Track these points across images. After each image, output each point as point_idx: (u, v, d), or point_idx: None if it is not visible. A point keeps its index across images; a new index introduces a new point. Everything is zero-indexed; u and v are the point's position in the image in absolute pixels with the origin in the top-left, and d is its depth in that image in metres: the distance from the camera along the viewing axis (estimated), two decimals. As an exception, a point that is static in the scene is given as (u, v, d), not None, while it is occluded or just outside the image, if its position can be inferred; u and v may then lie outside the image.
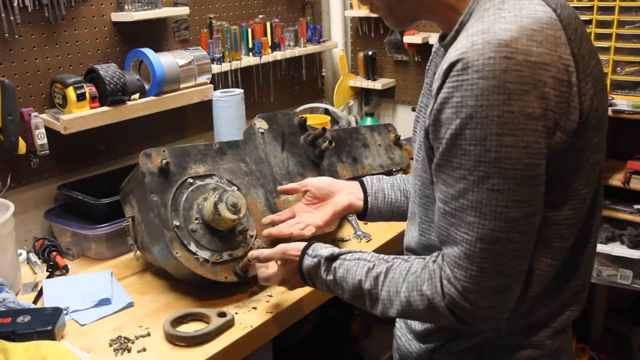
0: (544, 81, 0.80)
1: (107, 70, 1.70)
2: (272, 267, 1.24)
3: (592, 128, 0.86)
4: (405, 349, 1.11)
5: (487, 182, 0.82)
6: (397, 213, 1.34)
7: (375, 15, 2.52)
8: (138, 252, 1.52)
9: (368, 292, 1.01)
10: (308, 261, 1.12)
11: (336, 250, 1.10)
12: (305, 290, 1.37)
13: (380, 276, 1.00)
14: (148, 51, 1.80)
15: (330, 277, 1.07)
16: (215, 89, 2.06)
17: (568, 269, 0.96)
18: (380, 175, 1.38)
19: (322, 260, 1.09)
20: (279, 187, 1.45)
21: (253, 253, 1.27)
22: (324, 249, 1.11)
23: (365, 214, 1.35)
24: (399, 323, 1.16)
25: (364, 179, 1.37)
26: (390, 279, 0.98)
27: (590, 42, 0.89)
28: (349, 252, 1.07)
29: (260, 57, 2.23)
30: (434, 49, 1.07)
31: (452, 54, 0.83)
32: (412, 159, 2.18)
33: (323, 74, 2.69)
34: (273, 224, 1.41)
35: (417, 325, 1.07)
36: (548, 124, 0.81)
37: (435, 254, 0.96)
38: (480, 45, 0.80)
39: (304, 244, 1.15)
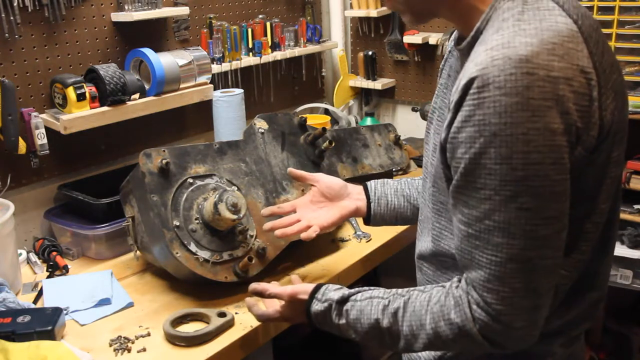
0: (567, 96, 0.78)
1: (107, 70, 1.70)
2: (271, 305, 1.20)
3: (613, 142, 0.85)
4: (416, 354, 1.09)
5: (515, 201, 0.80)
6: (400, 218, 1.33)
7: (375, 14, 2.53)
8: (138, 252, 1.52)
9: (387, 330, 0.97)
10: (318, 306, 1.07)
11: (346, 292, 1.05)
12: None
13: (399, 311, 0.96)
14: (148, 51, 1.80)
15: (342, 321, 1.03)
16: (215, 89, 2.06)
17: (586, 281, 0.95)
18: (385, 180, 1.36)
19: (333, 305, 1.05)
20: (289, 169, 1.40)
21: (256, 288, 1.18)
22: (334, 292, 1.06)
23: (369, 219, 1.34)
24: None
25: (368, 184, 1.36)
26: (410, 312, 0.95)
27: (611, 55, 0.87)
28: (359, 292, 1.04)
29: (260, 57, 2.23)
30: (448, 49, 1.06)
31: (471, 68, 0.81)
32: (412, 159, 2.19)
33: (323, 74, 2.69)
34: (273, 217, 1.36)
35: None
36: (571, 138, 0.79)
37: (455, 279, 0.93)
38: (501, 60, 0.78)
39: (312, 286, 1.11)
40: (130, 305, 1.42)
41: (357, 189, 1.37)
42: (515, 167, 0.79)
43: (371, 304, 1.00)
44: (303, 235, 1.28)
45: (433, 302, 0.93)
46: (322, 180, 1.36)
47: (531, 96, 0.77)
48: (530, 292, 0.84)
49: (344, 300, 1.04)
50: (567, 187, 0.81)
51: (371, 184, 1.36)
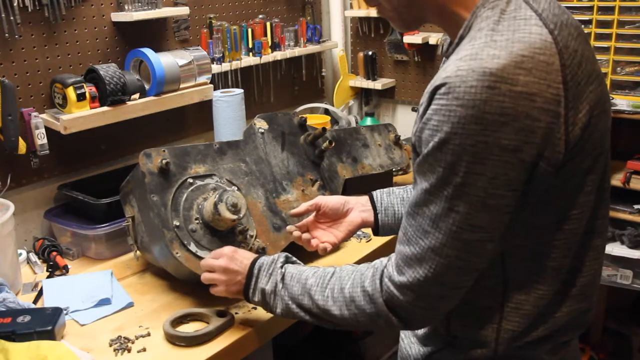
0: (527, 112, 0.78)
1: (107, 70, 1.70)
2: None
3: (583, 153, 0.84)
4: (406, 351, 1.11)
5: (449, 202, 0.83)
6: None
7: (375, 15, 2.53)
8: (138, 252, 1.52)
9: (310, 288, 1.06)
10: (264, 258, 1.18)
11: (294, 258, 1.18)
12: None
13: (328, 275, 1.05)
14: (148, 51, 1.80)
15: (282, 270, 1.13)
16: (215, 89, 2.06)
17: (567, 290, 0.94)
18: (391, 189, 1.36)
19: (279, 257, 1.16)
20: (291, 212, 1.40)
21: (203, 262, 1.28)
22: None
23: (377, 230, 1.34)
24: None
25: (374, 194, 1.35)
26: (337, 277, 1.04)
27: (591, 63, 0.86)
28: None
29: (260, 57, 2.23)
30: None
31: (440, 76, 0.82)
32: (412, 159, 2.19)
33: (323, 74, 2.69)
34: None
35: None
36: (524, 156, 0.79)
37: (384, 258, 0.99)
38: (465, 71, 0.79)
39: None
40: (130, 305, 1.42)
41: (362, 200, 1.36)
42: (456, 172, 0.81)
43: (310, 268, 1.10)
44: (321, 248, 1.33)
45: (357, 270, 1.02)
46: (325, 203, 1.36)
47: (487, 110, 0.77)
48: (439, 284, 0.89)
49: (290, 259, 1.18)
50: (505, 202, 0.82)
51: (377, 194, 1.35)
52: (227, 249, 1.25)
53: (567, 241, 0.90)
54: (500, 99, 0.77)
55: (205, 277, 1.26)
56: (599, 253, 0.96)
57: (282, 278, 1.11)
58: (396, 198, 1.34)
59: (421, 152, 0.86)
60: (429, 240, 0.87)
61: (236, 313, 1.35)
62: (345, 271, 1.03)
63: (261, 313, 1.36)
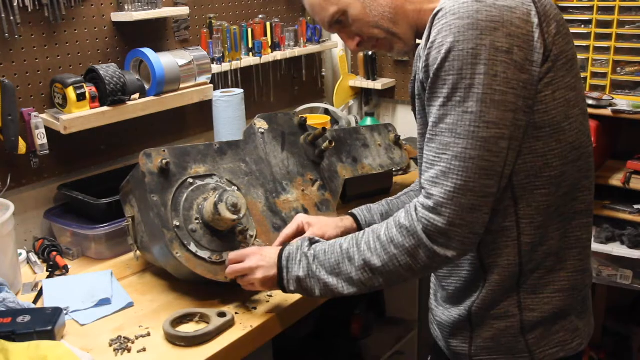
0: (511, 21, 0.95)
1: (107, 70, 1.70)
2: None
3: (562, 67, 0.99)
4: (440, 318, 1.20)
5: (462, 106, 0.96)
6: None
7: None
8: (138, 252, 1.52)
9: (347, 251, 1.10)
10: (289, 248, 1.21)
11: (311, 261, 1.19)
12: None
13: (359, 235, 1.11)
14: (148, 51, 1.80)
15: (312, 252, 1.16)
16: (215, 89, 2.06)
17: (572, 207, 1.08)
18: (369, 206, 1.47)
19: (304, 242, 1.20)
20: (275, 244, 1.42)
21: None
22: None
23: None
24: (432, 297, 1.26)
25: (355, 212, 1.45)
26: (370, 231, 1.10)
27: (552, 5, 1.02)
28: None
29: (260, 57, 2.23)
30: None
31: (435, 8, 1.00)
32: (412, 159, 2.19)
33: (323, 74, 2.69)
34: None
35: (447, 288, 1.17)
36: (515, 58, 0.95)
37: None
38: None
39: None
40: (130, 305, 1.42)
41: (345, 223, 1.44)
42: (464, 76, 0.95)
43: (338, 240, 1.15)
44: None
45: (389, 218, 1.09)
46: (305, 225, 1.42)
47: (480, 18, 0.94)
48: (468, 191, 0.97)
49: (315, 241, 1.20)
50: (508, 99, 0.95)
51: (358, 213, 1.45)
52: (251, 249, 1.30)
53: (563, 151, 1.02)
54: (489, 9, 0.94)
55: (234, 269, 1.29)
56: (591, 184, 1.10)
57: (314, 258, 1.15)
58: (376, 214, 1.45)
59: (429, 76, 0.98)
60: (452, 150, 0.96)
61: (236, 313, 1.35)
62: (377, 225, 1.10)
63: (261, 313, 1.36)
